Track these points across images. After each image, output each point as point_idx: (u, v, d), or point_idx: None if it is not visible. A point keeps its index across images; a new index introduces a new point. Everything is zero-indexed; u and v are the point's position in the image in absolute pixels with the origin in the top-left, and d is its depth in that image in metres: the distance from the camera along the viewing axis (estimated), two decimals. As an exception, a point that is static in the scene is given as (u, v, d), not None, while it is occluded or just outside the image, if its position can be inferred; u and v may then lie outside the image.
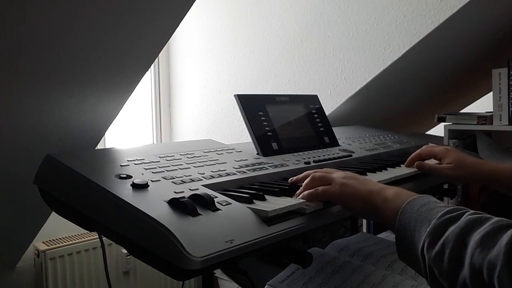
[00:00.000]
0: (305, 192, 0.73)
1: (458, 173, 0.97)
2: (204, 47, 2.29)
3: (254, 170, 0.89)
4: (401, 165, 1.10)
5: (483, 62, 2.14)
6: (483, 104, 2.40)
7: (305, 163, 1.01)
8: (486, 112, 1.87)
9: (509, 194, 0.95)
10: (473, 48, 1.99)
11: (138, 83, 1.13)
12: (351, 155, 1.17)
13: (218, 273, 1.60)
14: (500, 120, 1.72)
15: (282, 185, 0.82)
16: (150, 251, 0.57)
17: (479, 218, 0.52)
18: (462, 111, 2.41)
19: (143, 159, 0.80)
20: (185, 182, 0.73)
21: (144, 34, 0.99)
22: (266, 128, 1.06)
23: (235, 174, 0.84)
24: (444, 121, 1.88)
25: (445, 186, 1.39)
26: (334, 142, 1.23)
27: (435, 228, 0.54)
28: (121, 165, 0.75)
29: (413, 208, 0.59)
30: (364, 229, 1.96)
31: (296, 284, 0.84)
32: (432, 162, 1.04)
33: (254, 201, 0.69)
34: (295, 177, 0.82)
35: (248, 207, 0.66)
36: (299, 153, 1.08)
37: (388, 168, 1.07)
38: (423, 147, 1.09)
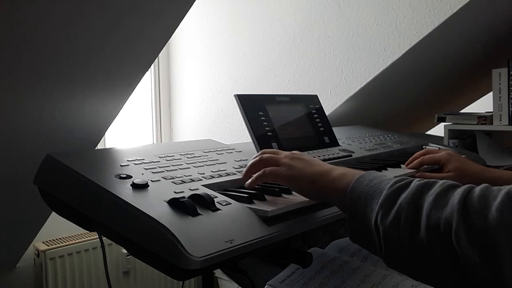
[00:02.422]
0: (253, 176, 0.73)
1: (459, 182, 0.96)
2: (204, 47, 2.29)
3: (254, 170, 0.89)
4: (401, 165, 1.10)
5: (483, 62, 2.14)
6: (483, 104, 2.40)
7: (305, 163, 1.01)
8: (486, 112, 1.87)
9: None
10: (473, 48, 2.00)
11: (138, 83, 1.13)
12: (351, 155, 1.17)
13: (218, 273, 1.59)
14: (500, 120, 1.72)
15: (282, 185, 0.82)
16: (150, 251, 0.57)
17: (427, 182, 0.54)
18: (462, 111, 2.41)
19: (143, 159, 0.80)
20: (185, 182, 0.73)
21: (144, 34, 0.99)
22: (266, 128, 1.06)
23: (235, 174, 0.84)
24: (444, 121, 1.89)
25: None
26: (334, 142, 1.23)
27: (386, 198, 0.55)
28: (121, 165, 0.75)
29: (362, 184, 0.59)
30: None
31: (296, 284, 0.84)
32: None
33: (254, 201, 0.69)
34: (244, 171, 0.78)
35: (248, 207, 0.66)
36: (299, 153, 1.08)
37: (388, 168, 1.07)
38: (424, 151, 1.08)
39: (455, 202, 0.48)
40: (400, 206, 0.53)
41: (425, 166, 1.07)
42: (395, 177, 0.60)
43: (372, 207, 0.56)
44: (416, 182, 0.55)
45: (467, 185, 0.51)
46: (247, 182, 0.74)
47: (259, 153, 0.77)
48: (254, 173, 0.74)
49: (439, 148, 1.42)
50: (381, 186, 0.57)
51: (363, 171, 0.63)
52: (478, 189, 0.50)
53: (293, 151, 0.76)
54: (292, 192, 0.77)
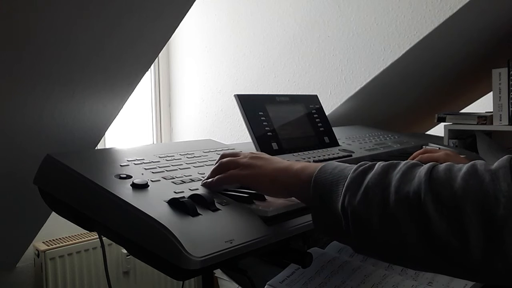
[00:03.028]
0: (214, 179, 0.71)
1: None
2: (204, 47, 2.29)
3: (254, 170, 0.89)
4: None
5: (483, 62, 2.14)
6: (483, 104, 2.40)
7: (305, 163, 1.01)
8: (486, 112, 1.88)
9: None
10: (473, 48, 2.00)
11: (138, 83, 1.13)
12: (351, 155, 1.17)
13: (218, 273, 1.60)
14: (500, 120, 1.72)
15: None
16: (150, 251, 0.57)
17: (391, 163, 0.55)
18: (462, 111, 2.41)
19: (143, 159, 0.80)
20: (185, 182, 0.73)
21: (144, 34, 0.99)
22: (266, 128, 1.06)
23: (235, 174, 0.84)
24: (444, 121, 1.89)
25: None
26: (334, 142, 1.23)
27: (352, 181, 0.55)
28: (121, 165, 0.75)
29: (325, 172, 0.59)
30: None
31: (296, 284, 0.84)
32: None
33: (254, 201, 0.69)
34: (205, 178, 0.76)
35: (248, 207, 0.66)
36: (299, 153, 1.08)
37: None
38: (423, 150, 1.08)
39: (422, 175, 0.50)
40: (367, 186, 0.53)
41: None
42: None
43: (338, 192, 0.56)
44: (380, 164, 0.56)
45: (431, 162, 0.53)
46: (206, 182, 0.72)
47: (219, 157, 0.76)
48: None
49: (439, 148, 1.42)
50: (345, 172, 0.57)
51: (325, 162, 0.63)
52: (442, 164, 0.51)
53: (253, 151, 0.75)
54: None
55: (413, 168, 0.52)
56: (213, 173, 0.73)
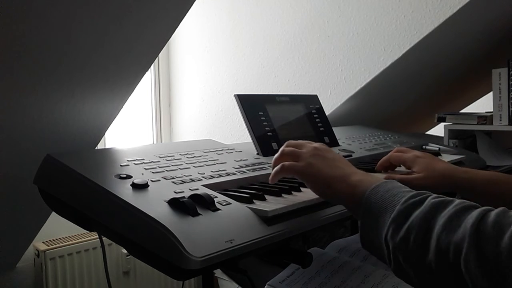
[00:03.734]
0: (273, 171, 0.73)
1: (428, 183, 0.90)
2: (204, 47, 2.29)
3: (254, 170, 0.89)
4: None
5: (483, 62, 2.14)
6: (483, 104, 2.40)
7: (305, 163, 1.01)
8: (486, 112, 1.88)
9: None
10: (473, 48, 2.00)
11: (138, 83, 1.13)
12: (351, 155, 1.17)
13: (218, 273, 1.60)
14: (500, 120, 1.72)
15: (282, 185, 0.82)
16: (150, 251, 0.57)
17: (442, 201, 0.53)
18: (462, 111, 2.41)
19: (143, 159, 0.80)
20: (185, 182, 0.73)
21: (144, 34, 0.99)
22: (266, 128, 1.06)
23: (235, 174, 0.84)
24: (444, 121, 1.89)
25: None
26: (334, 142, 1.23)
27: (399, 214, 0.54)
28: (121, 165, 0.75)
29: (377, 194, 0.59)
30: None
31: (296, 284, 0.84)
32: (403, 169, 0.99)
33: (254, 201, 0.69)
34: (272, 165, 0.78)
35: (248, 207, 0.66)
36: (299, 153, 1.08)
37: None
38: (394, 150, 1.04)
39: (468, 226, 0.47)
40: (411, 224, 0.52)
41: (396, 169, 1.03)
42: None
43: (385, 221, 0.55)
44: (430, 199, 0.54)
45: (483, 208, 0.50)
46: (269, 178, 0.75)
47: (284, 145, 0.77)
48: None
49: (439, 149, 1.42)
50: (395, 200, 0.56)
51: (381, 179, 0.62)
52: (494, 213, 0.48)
53: (319, 145, 0.74)
54: (292, 192, 0.77)
55: (461, 213, 0.50)
56: (275, 161, 0.75)
